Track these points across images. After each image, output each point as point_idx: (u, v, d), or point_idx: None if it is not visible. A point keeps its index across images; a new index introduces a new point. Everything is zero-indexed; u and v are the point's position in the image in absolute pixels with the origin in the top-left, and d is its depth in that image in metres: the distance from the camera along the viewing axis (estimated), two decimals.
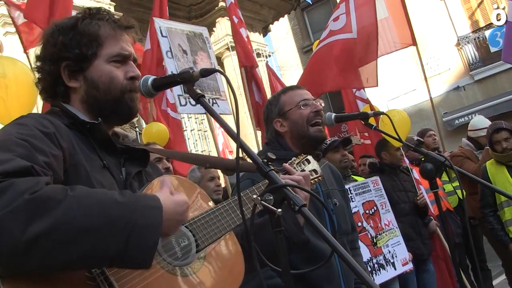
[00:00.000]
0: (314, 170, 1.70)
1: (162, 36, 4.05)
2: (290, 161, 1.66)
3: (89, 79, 1.29)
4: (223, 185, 4.36)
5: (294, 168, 1.63)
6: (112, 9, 7.23)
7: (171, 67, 3.95)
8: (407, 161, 4.85)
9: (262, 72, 10.85)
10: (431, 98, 5.51)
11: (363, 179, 4.08)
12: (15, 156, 0.99)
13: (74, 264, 0.96)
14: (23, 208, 0.90)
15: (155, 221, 1.04)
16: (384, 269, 3.50)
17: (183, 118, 8.87)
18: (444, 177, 5.20)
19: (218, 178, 3.93)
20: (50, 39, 1.31)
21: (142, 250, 1.00)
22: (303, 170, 1.65)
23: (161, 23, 4.12)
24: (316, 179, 1.70)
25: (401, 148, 4.44)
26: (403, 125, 5.54)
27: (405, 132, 5.56)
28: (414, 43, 5.35)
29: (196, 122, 9.11)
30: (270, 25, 11.94)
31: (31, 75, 3.75)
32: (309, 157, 1.74)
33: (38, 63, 1.34)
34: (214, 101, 4.15)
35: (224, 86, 4.41)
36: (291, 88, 2.21)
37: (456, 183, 5.09)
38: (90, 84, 1.29)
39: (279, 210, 1.16)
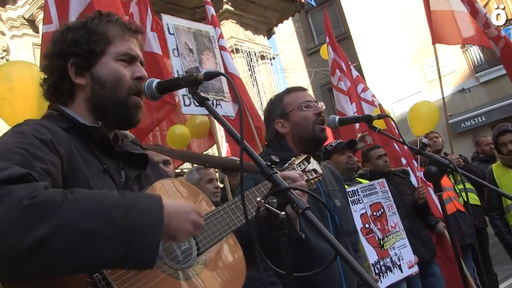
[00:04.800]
0: (314, 170, 1.70)
1: (169, 33, 3.96)
2: (290, 161, 1.65)
3: (96, 76, 1.29)
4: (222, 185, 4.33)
5: (294, 168, 1.63)
6: None
7: (177, 65, 3.87)
8: (404, 161, 4.83)
9: (265, 73, 10.92)
10: (443, 98, 5.47)
11: (368, 181, 4.06)
12: (13, 164, 0.99)
13: (77, 268, 0.96)
14: (22, 215, 0.90)
15: (156, 220, 1.03)
16: (391, 272, 3.49)
17: None
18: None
19: (217, 180, 3.91)
20: (60, 37, 1.32)
21: (145, 250, 1.00)
22: (303, 170, 1.64)
23: (168, 20, 4.03)
24: (316, 179, 1.70)
25: (383, 156, 4.39)
26: (431, 117, 5.56)
27: (433, 123, 5.59)
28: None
29: None
30: (274, 28, 11.94)
31: (40, 75, 3.75)
32: (309, 157, 1.73)
33: (46, 62, 1.34)
34: (218, 103, 4.04)
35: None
36: (295, 89, 2.20)
37: (461, 186, 5.05)
38: (96, 81, 1.29)
39: (283, 213, 1.17)
